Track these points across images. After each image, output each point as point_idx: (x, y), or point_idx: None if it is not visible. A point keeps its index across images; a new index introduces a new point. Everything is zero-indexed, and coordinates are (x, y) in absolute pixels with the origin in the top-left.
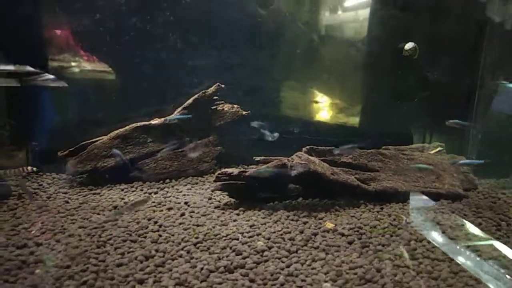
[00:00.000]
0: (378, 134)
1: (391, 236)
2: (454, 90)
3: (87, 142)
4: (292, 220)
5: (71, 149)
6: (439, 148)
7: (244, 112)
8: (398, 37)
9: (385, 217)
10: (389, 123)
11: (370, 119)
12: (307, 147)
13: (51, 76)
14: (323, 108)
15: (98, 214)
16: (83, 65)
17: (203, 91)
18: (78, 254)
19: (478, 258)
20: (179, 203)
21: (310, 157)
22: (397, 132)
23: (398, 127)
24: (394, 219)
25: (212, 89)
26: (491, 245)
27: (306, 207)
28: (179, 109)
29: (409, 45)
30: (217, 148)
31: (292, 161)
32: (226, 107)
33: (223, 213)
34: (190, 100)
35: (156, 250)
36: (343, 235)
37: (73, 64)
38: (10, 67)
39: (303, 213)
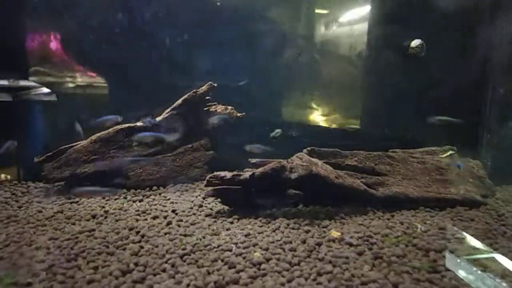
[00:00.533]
0: (383, 137)
1: (406, 246)
2: (464, 90)
3: (66, 146)
4: (293, 228)
5: (48, 154)
6: (450, 152)
7: (239, 114)
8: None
9: (397, 225)
10: (394, 125)
11: (373, 121)
12: (308, 148)
13: (45, 90)
14: (322, 110)
15: (73, 224)
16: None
17: (194, 90)
18: (43, 269)
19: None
20: (166, 211)
21: (312, 158)
22: (403, 134)
23: (404, 130)
24: (408, 227)
25: (203, 88)
26: None
27: (308, 214)
28: (168, 110)
29: (415, 42)
30: (209, 153)
31: (292, 163)
32: (219, 108)
33: (214, 221)
34: (179, 101)
35: (136, 264)
36: (351, 245)
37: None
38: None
39: (304, 221)
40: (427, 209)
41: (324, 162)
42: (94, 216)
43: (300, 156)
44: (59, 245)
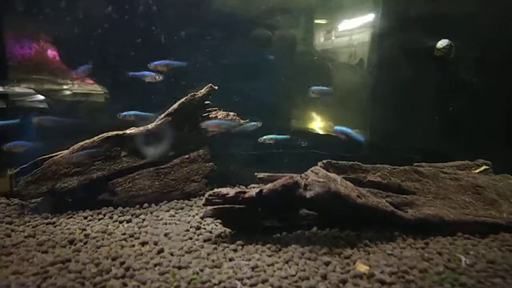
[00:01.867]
0: (405, 148)
1: (453, 285)
2: (498, 96)
3: (44, 157)
4: (309, 259)
5: (23, 166)
6: (484, 167)
7: (241, 121)
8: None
9: (435, 256)
10: (418, 136)
11: (394, 130)
12: (324, 161)
13: (40, 97)
14: (335, 118)
15: (45, 252)
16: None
17: (192, 93)
18: None
19: None
20: (157, 235)
21: (329, 173)
22: (428, 146)
23: (430, 141)
24: (449, 260)
25: (202, 91)
26: None
27: (325, 240)
28: (162, 115)
29: (442, 43)
30: (208, 165)
31: (307, 179)
32: (220, 114)
33: (215, 248)
34: (175, 105)
35: None
36: (383, 282)
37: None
38: None
39: (322, 249)
40: (465, 236)
41: (343, 178)
42: (71, 242)
43: (315, 170)
44: (22, 282)
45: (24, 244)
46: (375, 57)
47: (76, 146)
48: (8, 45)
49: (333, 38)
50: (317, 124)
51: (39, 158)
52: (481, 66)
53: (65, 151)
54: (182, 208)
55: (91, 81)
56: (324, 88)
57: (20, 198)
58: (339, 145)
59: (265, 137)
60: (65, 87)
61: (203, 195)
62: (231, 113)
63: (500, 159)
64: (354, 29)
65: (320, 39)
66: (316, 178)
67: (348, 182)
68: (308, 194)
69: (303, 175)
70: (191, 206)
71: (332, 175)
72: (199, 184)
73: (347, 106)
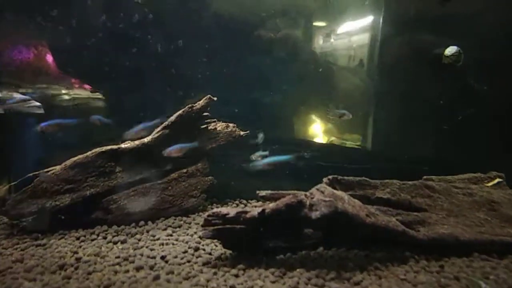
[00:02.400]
0: (411, 160)
1: None
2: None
3: (34, 173)
4: (316, 285)
5: (12, 184)
6: (497, 180)
7: (242, 133)
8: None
9: (453, 282)
10: (424, 146)
11: (398, 141)
12: (330, 177)
13: (37, 103)
14: (338, 128)
15: (33, 280)
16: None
17: (190, 105)
18: None
19: None
20: (153, 257)
21: (335, 191)
22: (435, 157)
23: (437, 152)
24: (468, 286)
25: (201, 102)
26: None
27: (332, 262)
28: (159, 128)
29: (450, 50)
30: (207, 179)
31: (312, 197)
32: (220, 126)
33: (215, 274)
34: (173, 117)
35: None
36: None
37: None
38: None
39: (329, 273)
40: (482, 256)
41: (350, 195)
42: (62, 267)
43: (321, 188)
44: None
45: (11, 271)
46: (377, 62)
47: (68, 162)
48: (5, 50)
49: (332, 40)
50: (321, 133)
51: (31, 174)
52: (490, 72)
53: (57, 167)
54: (180, 226)
55: (88, 87)
56: (344, 112)
57: (8, 218)
58: (344, 156)
59: (262, 160)
60: (63, 91)
61: (202, 211)
62: (231, 125)
63: None
64: (355, 33)
65: (319, 42)
66: (322, 197)
67: (356, 200)
68: (314, 215)
69: (308, 193)
70: (190, 223)
71: (339, 193)
72: (198, 199)
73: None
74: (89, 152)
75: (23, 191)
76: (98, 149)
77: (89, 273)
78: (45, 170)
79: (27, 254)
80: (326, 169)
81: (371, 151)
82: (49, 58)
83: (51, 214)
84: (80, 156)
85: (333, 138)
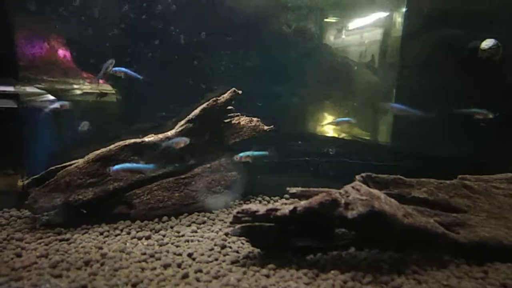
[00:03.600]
0: (444, 158)
1: None
2: None
3: (57, 166)
4: None
5: (35, 177)
6: None
7: (265, 127)
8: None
9: None
10: (458, 143)
11: (429, 137)
12: (363, 174)
13: (51, 97)
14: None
15: (59, 276)
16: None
17: (214, 98)
18: None
19: None
20: (180, 254)
21: (371, 190)
22: (469, 156)
23: (471, 150)
24: None
25: (226, 96)
26: None
27: (366, 264)
28: (182, 122)
29: (488, 43)
30: (231, 174)
31: (348, 196)
32: (243, 120)
33: (244, 273)
34: (197, 111)
35: None
36: None
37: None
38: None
39: (365, 276)
40: None
41: (384, 193)
42: (87, 263)
43: (356, 186)
44: None
45: (36, 267)
46: (406, 58)
47: (91, 155)
48: (19, 44)
49: (343, 36)
50: (332, 129)
51: (52, 167)
52: None
53: (80, 161)
54: (204, 222)
55: (101, 81)
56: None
57: (31, 212)
58: (370, 153)
59: (241, 154)
60: (75, 86)
61: (226, 207)
62: (254, 119)
63: None
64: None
65: (330, 37)
66: (359, 195)
67: (393, 200)
68: (351, 214)
69: (342, 191)
70: (213, 220)
71: (375, 191)
72: (221, 195)
73: (376, 111)
74: (112, 146)
75: (46, 185)
76: (122, 143)
77: (116, 270)
78: (68, 163)
79: (52, 249)
80: (352, 166)
81: (397, 148)
82: (64, 52)
83: (74, 208)
84: (103, 149)
85: (343, 135)
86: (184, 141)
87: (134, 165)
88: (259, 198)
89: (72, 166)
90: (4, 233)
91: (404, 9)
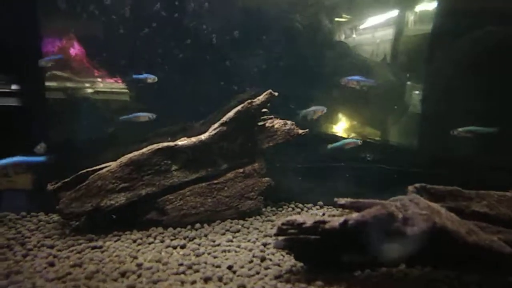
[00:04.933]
0: (487, 165)
1: None
2: None
3: (88, 170)
4: None
5: (65, 181)
6: None
7: (300, 131)
8: None
9: None
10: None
11: (471, 144)
12: (417, 185)
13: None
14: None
15: None
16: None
17: (249, 101)
18: None
19: None
20: (218, 266)
21: (431, 203)
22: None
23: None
24: None
25: (261, 98)
26: None
27: (421, 284)
28: (216, 125)
29: None
30: (265, 180)
31: (406, 210)
32: (277, 123)
33: None
34: (231, 113)
35: None
36: None
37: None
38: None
39: None
40: None
41: (441, 207)
42: (123, 274)
43: (415, 199)
44: None
45: (70, 278)
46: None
47: (124, 159)
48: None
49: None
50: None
51: (83, 171)
52: None
53: (113, 164)
54: (238, 231)
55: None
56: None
57: (62, 217)
58: (408, 159)
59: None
60: (87, 85)
61: (259, 214)
62: (289, 122)
63: None
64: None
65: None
66: (418, 209)
67: (453, 215)
68: (411, 231)
69: (398, 204)
70: (248, 228)
71: (435, 205)
72: (255, 201)
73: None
74: (145, 149)
75: (77, 189)
76: (155, 146)
77: (154, 283)
78: (98, 166)
79: (85, 258)
80: (389, 173)
81: (437, 155)
82: (73, 50)
83: (106, 214)
84: (135, 153)
85: (353, 135)
86: (321, 110)
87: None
88: (292, 205)
89: (104, 170)
90: (34, 239)
91: None
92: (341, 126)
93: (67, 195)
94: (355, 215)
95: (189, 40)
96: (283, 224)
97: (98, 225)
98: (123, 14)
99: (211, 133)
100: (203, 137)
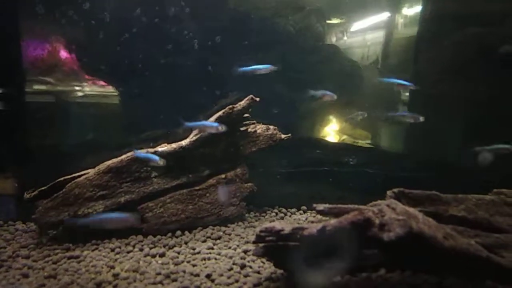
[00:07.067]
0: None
1: None
2: None
3: (66, 178)
4: None
5: (42, 189)
6: None
7: (283, 136)
8: None
9: None
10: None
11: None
12: (396, 190)
13: None
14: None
15: None
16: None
17: (230, 106)
18: None
19: None
20: (197, 275)
21: (408, 208)
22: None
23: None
24: None
25: (242, 103)
26: None
27: None
28: (197, 131)
29: None
30: (247, 185)
31: (383, 215)
32: (259, 128)
33: None
34: (212, 119)
35: None
36: None
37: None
38: None
39: None
40: None
41: (419, 211)
42: (99, 285)
43: (392, 205)
44: None
45: None
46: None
47: (102, 166)
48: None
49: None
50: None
51: (60, 179)
52: None
53: (91, 171)
54: (219, 238)
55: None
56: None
57: (38, 226)
58: (393, 163)
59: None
60: (76, 88)
61: (242, 220)
62: (271, 127)
63: None
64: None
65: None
66: (395, 215)
67: (430, 219)
68: (387, 237)
69: (375, 209)
70: (230, 234)
71: (412, 210)
72: (237, 207)
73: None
74: (124, 156)
75: (53, 198)
76: (133, 153)
77: None
78: (77, 174)
79: (60, 269)
80: (373, 176)
81: (422, 158)
82: (63, 54)
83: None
84: (114, 160)
85: (345, 137)
86: (331, 95)
87: None
88: (276, 210)
89: (82, 178)
90: (9, 250)
91: None
92: (330, 129)
93: (43, 203)
94: (332, 221)
95: (171, 46)
96: (261, 231)
97: (76, 234)
98: (103, 19)
99: (192, 139)
100: (184, 143)
